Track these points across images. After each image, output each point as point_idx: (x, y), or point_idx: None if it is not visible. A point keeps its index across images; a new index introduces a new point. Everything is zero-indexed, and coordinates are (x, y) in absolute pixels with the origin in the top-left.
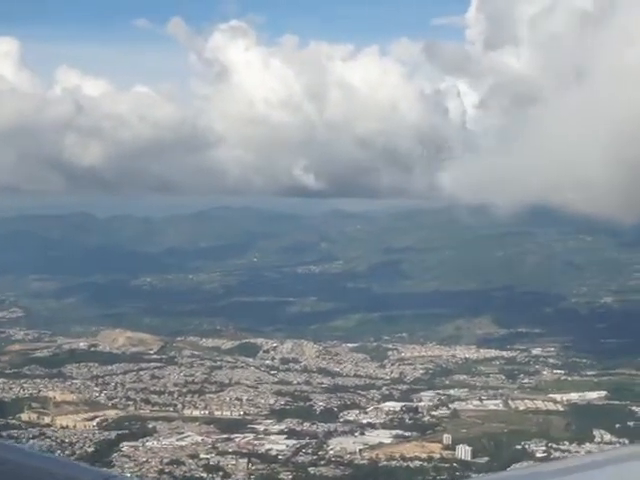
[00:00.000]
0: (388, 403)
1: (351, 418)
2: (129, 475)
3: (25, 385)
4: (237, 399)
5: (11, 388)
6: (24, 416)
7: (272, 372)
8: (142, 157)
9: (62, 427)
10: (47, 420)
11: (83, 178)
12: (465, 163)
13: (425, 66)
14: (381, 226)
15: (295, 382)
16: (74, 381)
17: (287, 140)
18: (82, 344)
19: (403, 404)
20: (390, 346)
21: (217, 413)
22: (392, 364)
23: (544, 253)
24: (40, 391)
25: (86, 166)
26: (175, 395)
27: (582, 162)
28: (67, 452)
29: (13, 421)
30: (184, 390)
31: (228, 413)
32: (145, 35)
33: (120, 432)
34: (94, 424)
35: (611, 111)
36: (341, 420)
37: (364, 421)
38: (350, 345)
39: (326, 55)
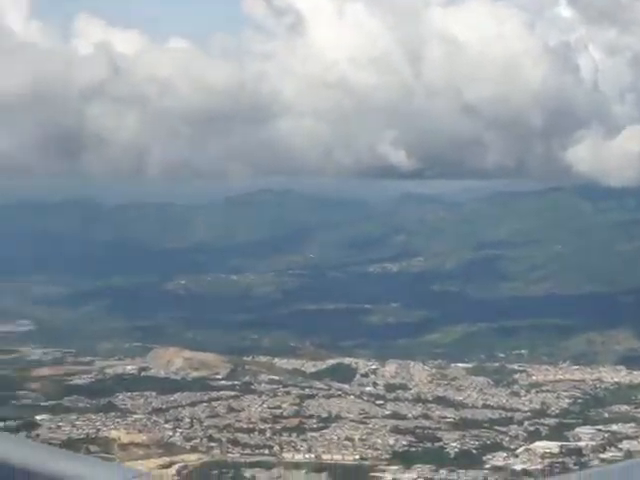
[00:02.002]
0: (540, 443)
1: (499, 463)
2: None
3: (77, 422)
4: (347, 439)
5: (59, 426)
6: None
7: (378, 402)
8: (183, 132)
9: None
10: None
11: (105, 159)
12: (597, 135)
13: (552, 11)
14: (468, 213)
15: (411, 416)
16: (135, 416)
17: (372, 108)
18: (129, 367)
19: (560, 444)
20: (515, 367)
21: (325, 457)
22: (527, 391)
23: None
24: (98, 430)
25: (113, 143)
26: (267, 434)
27: None
28: None
29: None
30: (277, 427)
31: (339, 457)
32: None
33: None
34: (174, 472)
35: None
36: (487, 466)
37: (516, 467)
38: (461, 365)
39: (423, 1)
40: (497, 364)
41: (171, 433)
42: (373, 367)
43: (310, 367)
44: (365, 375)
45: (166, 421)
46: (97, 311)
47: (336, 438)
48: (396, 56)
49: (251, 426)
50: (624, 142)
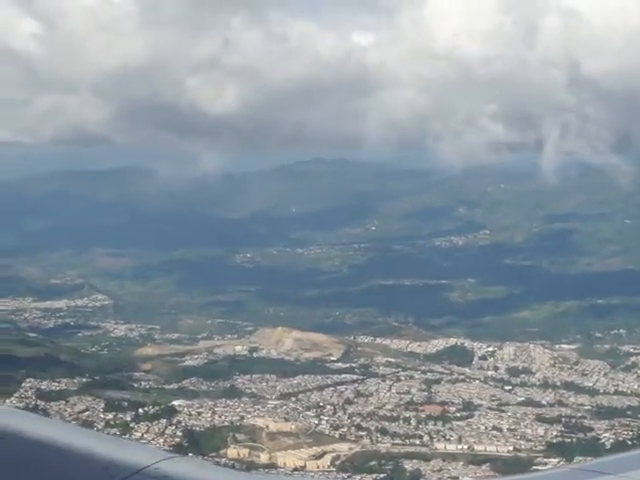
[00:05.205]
0: None
1: None
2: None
3: (216, 409)
4: (495, 428)
5: (199, 413)
6: (231, 452)
7: (507, 388)
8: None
9: (293, 469)
10: (264, 458)
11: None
12: None
13: None
14: (530, 186)
15: (545, 403)
16: (271, 402)
17: (479, 80)
18: (239, 348)
19: None
20: (629, 349)
21: (478, 448)
22: None
23: None
24: (242, 417)
25: (215, 114)
26: (413, 422)
27: None
28: None
29: (218, 459)
30: (422, 415)
31: (492, 448)
32: None
33: (374, 476)
34: (327, 463)
35: None
36: None
37: None
38: (566, 347)
39: None
40: (607, 346)
41: (316, 421)
42: (490, 349)
43: (416, 348)
44: (483, 358)
45: (307, 408)
46: (167, 285)
47: (483, 427)
48: (510, 28)
49: (394, 414)
50: None
